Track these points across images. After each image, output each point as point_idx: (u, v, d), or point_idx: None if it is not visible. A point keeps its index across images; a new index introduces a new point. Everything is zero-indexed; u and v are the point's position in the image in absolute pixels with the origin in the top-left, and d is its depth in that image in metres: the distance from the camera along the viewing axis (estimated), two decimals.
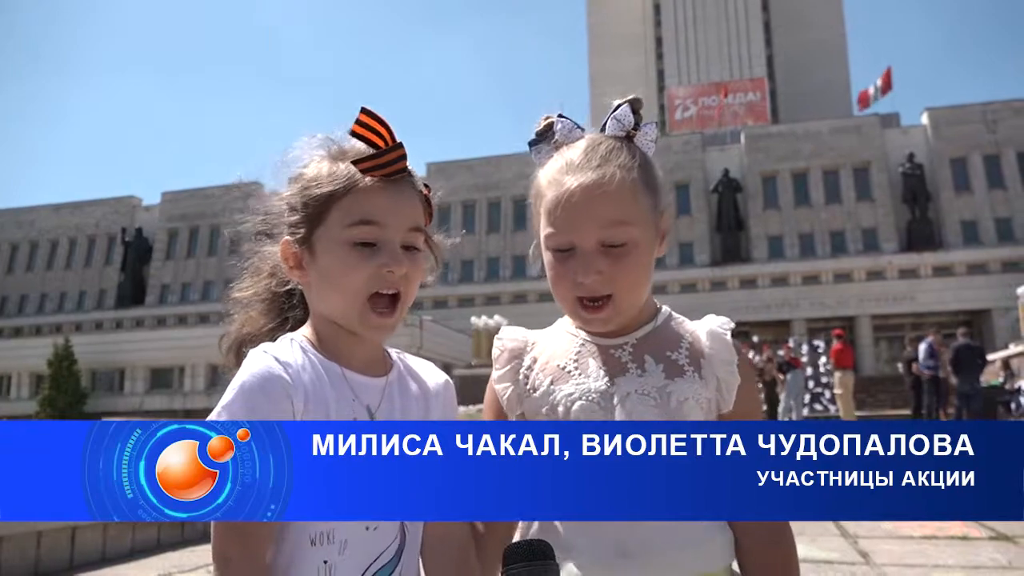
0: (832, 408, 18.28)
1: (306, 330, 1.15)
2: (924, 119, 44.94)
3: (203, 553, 5.59)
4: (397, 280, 1.08)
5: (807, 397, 18.56)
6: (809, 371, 19.66)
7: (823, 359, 20.34)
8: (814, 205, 44.84)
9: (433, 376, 1.22)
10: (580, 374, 1.15)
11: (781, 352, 17.41)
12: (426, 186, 1.17)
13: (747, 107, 56.76)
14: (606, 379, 1.14)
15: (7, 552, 4.63)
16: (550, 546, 0.93)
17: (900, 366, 21.92)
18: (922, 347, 15.33)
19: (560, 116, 1.19)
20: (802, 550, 5.57)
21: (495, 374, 1.23)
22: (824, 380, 20.23)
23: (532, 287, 42.98)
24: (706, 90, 58.99)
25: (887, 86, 49.57)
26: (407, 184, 1.12)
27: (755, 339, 21.45)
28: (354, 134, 1.09)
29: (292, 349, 1.08)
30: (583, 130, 1.18)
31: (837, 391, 15.20)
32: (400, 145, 1.08)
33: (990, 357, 18.98)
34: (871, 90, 49.78)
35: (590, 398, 1.12)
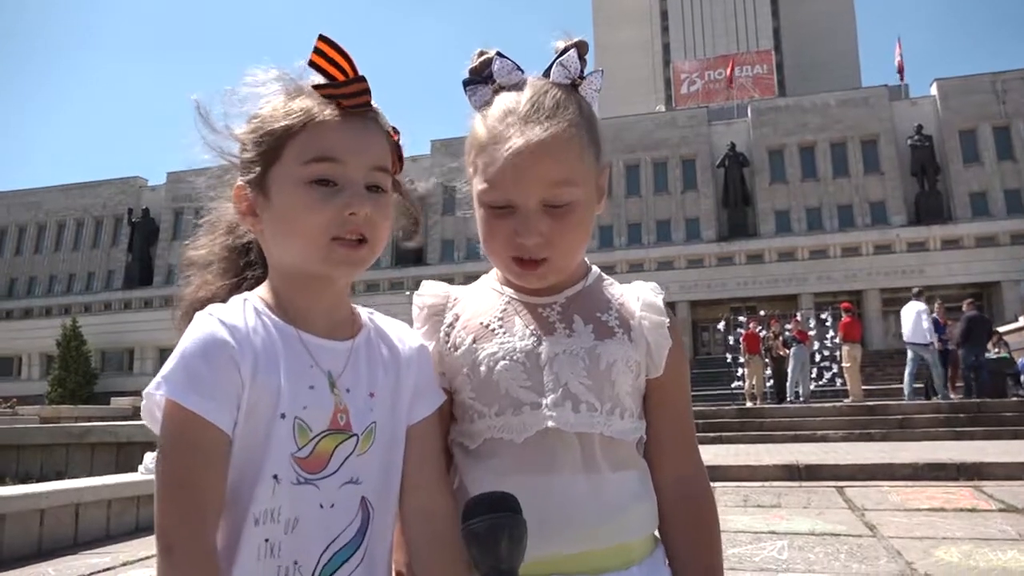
0: (839, 382, 18.21)
1: (261, 290, 1.05)
2: (933, 90, 44.45)
3: None
4: (360, 223, 0.98)
5: (814, 371, 18.49)
6: (817, 345, 19.58)
7: (831, 332, 20.25)
8: (821, 179, 44.53)
9: (407, 339, 1.11)
10: (505, 332, 1.09)
11: (789, 327, 17.33)
12: (394, 129, 1.07)
13: (754, 80, 56.25)
14: (532, 339, 1.08)
15: (10, 530, 4.63)
16: (516, 499, 0.88)
17: None
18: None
19: (499, 54, 1.09)
20: (808, 523, 5.57)
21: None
22: (831, 353, 20.16)
23: None
24: (712, 64, 58.46)
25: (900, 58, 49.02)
26: (371, 120, 1.02)
27: (762, 313, 21.39)
28: (312, 64, 0.99)
29: (242, 310, 0.99)
30: (523, 72, 1.09)
31: (845, 364, 15.14)
32: (362, 78, 1.00)
33: (998, 329, 18.88)
34: (897, 59, 49.18)
35: (515, 358, 1.07)
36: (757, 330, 17.24)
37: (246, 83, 1.04)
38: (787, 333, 16.95)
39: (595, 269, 1.19)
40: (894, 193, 43.15)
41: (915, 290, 14.77)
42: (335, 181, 0.97)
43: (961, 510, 5.92)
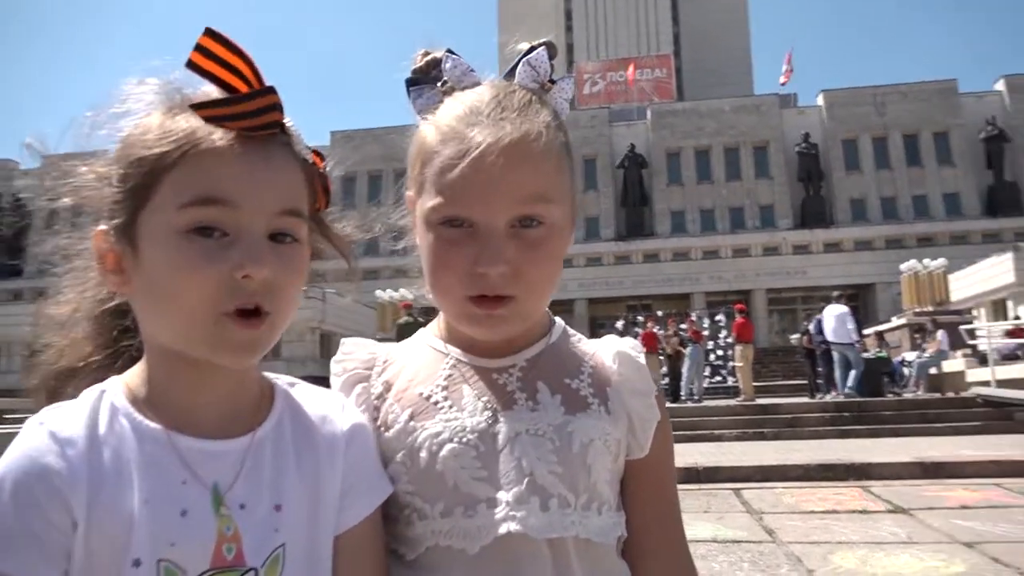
0: (731, 380, 18.79)
1: (132, 373, 0.79)
2: (820, 100, 46.68)
3: None
4: (257, 289, 0.72)
5: (707, 370, 19.01)
6: (710, 344, 20.15)
7: (723, 332, 20.90)
8: (715, 181, 46.02)
9: (335, 417, 0.84)
10: (451, 407, 0.87)
11: (684, 326, 17.74)
12: (316, 153, 0.81)
13: (654, 83, 57.59)
14: (487, 414, 0.86)
15: None
16: None
17: (793, 338, 22.82)
18: (813, 324, 15.92)
19: (449, 52, 0.89)
20: (710, 529, 5.58)
21: None
22: (723, 353, 20.80)
23: None
24: (614, 65, 59.50)
25: (789, 68, 51.33)
26: (278, 146, 0.76)
27: (659, 313, 21.85)
28: (192, 66, 0.72)
29: (89, 411, 0.74)
30: (476, 74, 0.90)
31: (738, 364, 15.61)
32: (271, 89, 0.74)
33: (875, 329, 19.98)
34: (784, 68, 51.51)
35: (465, 440, 0.84)
36: (655, 329, 17.57)
37: (119, 97, 0.78)
38: (683, 333, 17.36)
39: (559, 322, 0.97)
40: (782, 197, 45.08)
41: (835, 294, 15.48)
42: (224, 230, 0.72)
43: (853, 512, 6.09)
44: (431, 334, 0.95)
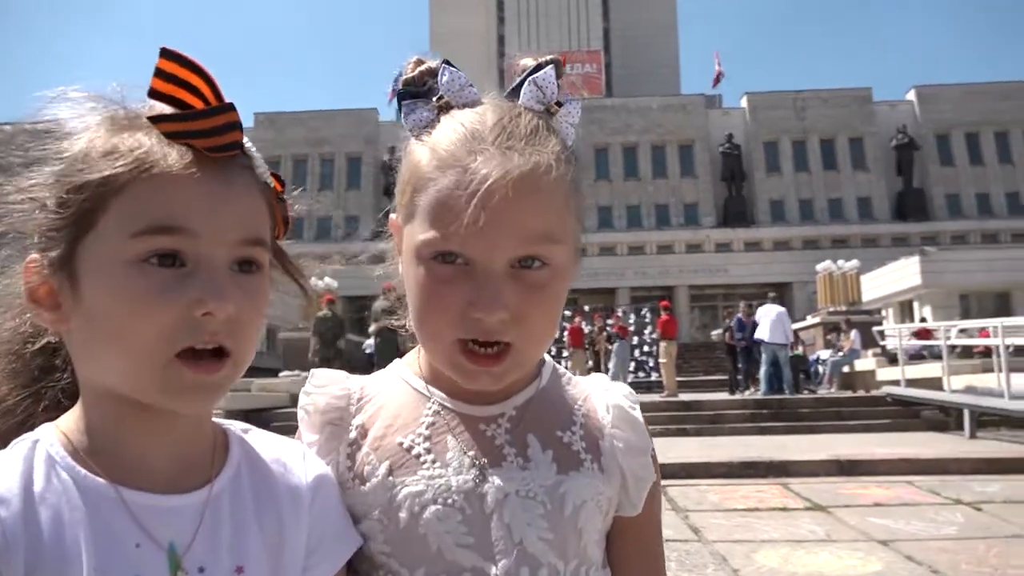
0: (655, 375, 19.14)
1: (68, 419, 0.69)
2: (743, 102, 48.00)
3: None
4: (219, 327, 0.64)
5: (632, 365, 19.30)
6: (635, 340, 20.47)
7: (648, 328, 21.25)
8: (642, 178, 46.88)
9: (296, 468, 0.76)
10: (435, 461, 0.78)
11: (611, 321, 17.95)
12: (276, 177, 0.72)
13: (583, 78, 57.66)
14: (474, 471, 0.78)
15: None
16: None
17: (715, 335, 23.43)
18: (734, 321, 16.34)
19: (446, 63, 0.79)
20: None
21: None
22: (648, 349, 21.16)
23: (365, 247, 41.87)
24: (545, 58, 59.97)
25: (720, 71, 52.73)
26: (238, 169, 0.67)
27: (586, 308, 22.08)
28: (155, 95, 0.64)
29: (23, 464, 0.64)
30: (475, 89, 0.80)
31: (662, 360, 15.87)
32: (231, 106, 0.65)
33: (792, 327, 20.65)
34: (717, 69, 52.92)
35: (450, 501, 0.76)
36: (582, 324, 17.72)
37: (56, 111, 0.68)
38: (609, 328, 17.56)
39: (549, 361, 0.89)
40: (705, 196, 46.25)
41: (771, 295, 15.97)
42: (182, 260, 0.64)
43: (774, 509, 6.23)
44: (410, 371, 0.86)
